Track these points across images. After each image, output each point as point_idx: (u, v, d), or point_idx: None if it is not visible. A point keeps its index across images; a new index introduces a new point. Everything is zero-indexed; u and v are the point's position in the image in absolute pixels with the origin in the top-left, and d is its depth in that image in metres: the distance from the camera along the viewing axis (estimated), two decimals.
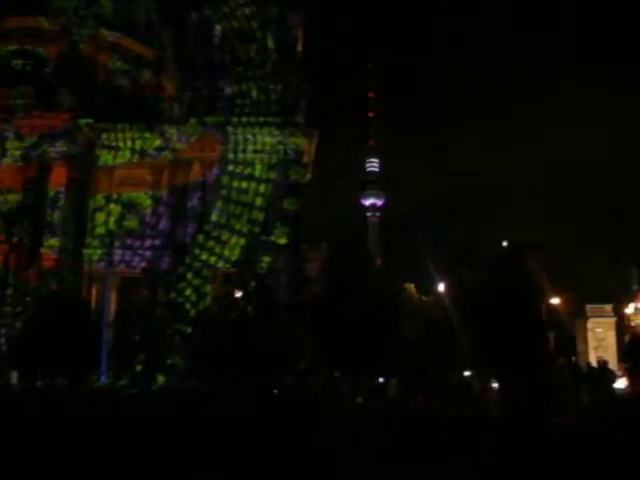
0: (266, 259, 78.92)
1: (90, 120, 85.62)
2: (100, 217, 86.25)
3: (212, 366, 52.77)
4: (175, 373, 64.31)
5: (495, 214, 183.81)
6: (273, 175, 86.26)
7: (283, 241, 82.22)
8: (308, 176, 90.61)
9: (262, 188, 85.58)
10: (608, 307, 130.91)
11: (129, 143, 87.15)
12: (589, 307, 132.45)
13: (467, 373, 57.15)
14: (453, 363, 51.46)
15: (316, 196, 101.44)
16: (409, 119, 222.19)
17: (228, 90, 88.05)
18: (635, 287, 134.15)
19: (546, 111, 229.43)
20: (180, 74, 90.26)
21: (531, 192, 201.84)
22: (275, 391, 47.60)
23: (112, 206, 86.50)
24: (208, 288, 78.15)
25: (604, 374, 32.08)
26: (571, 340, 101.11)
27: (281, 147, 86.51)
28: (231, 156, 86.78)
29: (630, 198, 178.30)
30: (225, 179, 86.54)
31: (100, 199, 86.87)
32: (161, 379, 65.02)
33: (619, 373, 63.56)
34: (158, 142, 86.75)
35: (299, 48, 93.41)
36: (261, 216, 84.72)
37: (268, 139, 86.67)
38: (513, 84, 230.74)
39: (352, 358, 48.10)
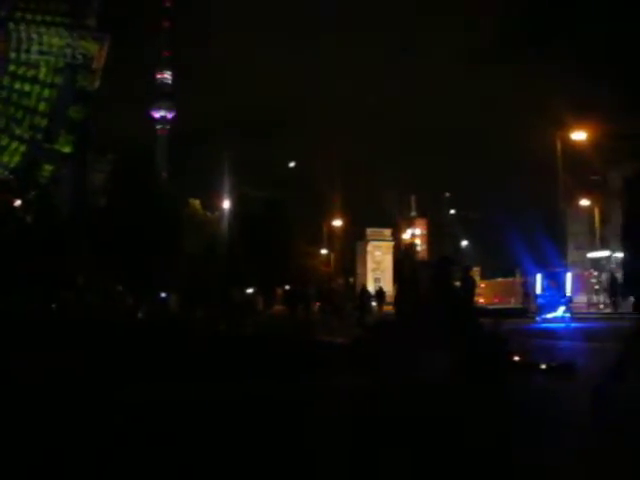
0: (48, 168, 75.28)
1: None
2: None
3: None
4: None
5: (285, 135, 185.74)
6: (59, 80, 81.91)
7: (67, 150, 78.78)
8: (97, 83, 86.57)
9: (46, 92, 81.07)
10: (387, 231, 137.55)
11: None
12: (369, 230, 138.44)
13: (250, 290, 58.29)
14: (235, 279, 52.17)
15: (105, 105, 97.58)
16: (203, 33, 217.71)
17: None
18: (413, 213, 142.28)
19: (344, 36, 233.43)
20: None
21: (322, 114, 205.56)
22: (53, 306, 46.22)
23: None
24: None
25: (363, 295, 33.87)
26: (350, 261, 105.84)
27: (69, 50, 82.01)
28: (13, 55, 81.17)
29: (421, 131, 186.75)
30: (5, 80, 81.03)
31: None
32: None
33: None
34: None
35: None
36: (44, 122, 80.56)
37: (55, 40, 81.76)
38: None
39: (133, 272, 47.57)
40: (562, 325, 22.48)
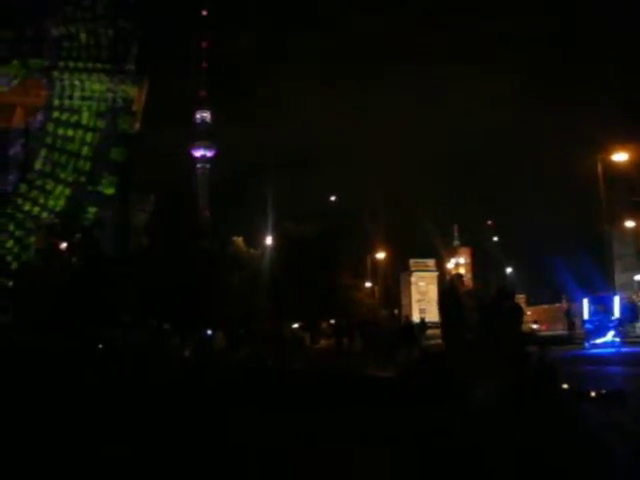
0: (92, 210, 76.40)
1: None
2: None
3: (35, 320, 50.90)
4: None
5: (322, 169, 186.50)
6: (101, 123, 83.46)
7: (110, 192, 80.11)
8: (137, 125, 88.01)
9: (89, 137, 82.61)
10: (431, 262, 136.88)
11: None
12: (413, 261, 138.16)
13: (295, 325, 58.19)
14: (282, 315, 52.21)
15: (145, 146, 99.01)
16: (240, 72, 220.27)
17: (55, 32, 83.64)
18: (456, 243, 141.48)
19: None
20: (1, 9, 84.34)
21: (356, 149, 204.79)
22: (100, 345, 46.66)
23: None
24: (31, 239, 74.72)
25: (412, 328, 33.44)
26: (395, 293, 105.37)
27: (110, 95, 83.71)
28: (57, 102, 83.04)
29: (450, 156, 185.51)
30: (50, 126, 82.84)
31: None
32: None
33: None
34: None
35: None
36: (88, 166, 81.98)
37: (96, 86, 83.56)
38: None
39: (179, 310, 47.84)
40: (612, 350, 22.10)
